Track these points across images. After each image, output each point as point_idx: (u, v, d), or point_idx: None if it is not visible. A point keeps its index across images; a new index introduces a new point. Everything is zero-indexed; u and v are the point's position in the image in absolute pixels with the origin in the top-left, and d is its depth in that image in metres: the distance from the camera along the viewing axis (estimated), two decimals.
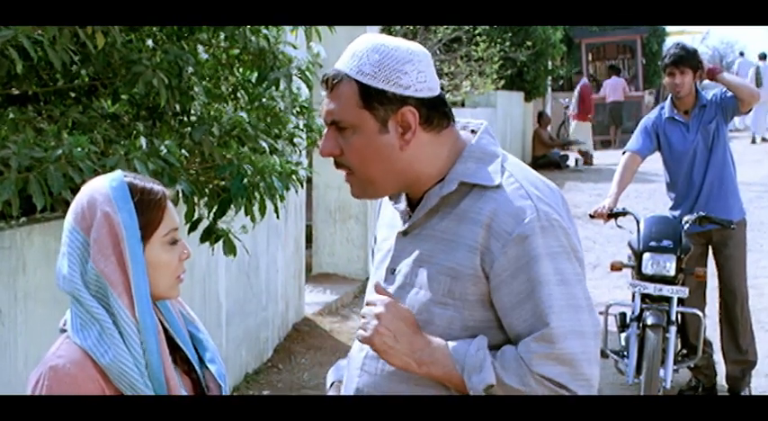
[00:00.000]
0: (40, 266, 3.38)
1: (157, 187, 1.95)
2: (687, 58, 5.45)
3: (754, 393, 5.72)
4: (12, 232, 3.30)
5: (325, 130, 1.97)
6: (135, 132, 3.51)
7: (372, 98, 1.90)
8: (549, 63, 18.87)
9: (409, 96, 1.91)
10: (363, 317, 1.93)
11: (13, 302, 3.29)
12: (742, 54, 27.28)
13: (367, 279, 2.26)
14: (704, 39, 31.74)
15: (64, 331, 1.93)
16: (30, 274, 3.37)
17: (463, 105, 14.05)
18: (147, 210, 1.90)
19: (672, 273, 5.21)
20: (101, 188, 1.91)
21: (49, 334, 1.95)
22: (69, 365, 1.84)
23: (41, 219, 3.48)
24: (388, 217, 2.11)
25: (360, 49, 1.92)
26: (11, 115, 3.46)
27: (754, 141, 19.82)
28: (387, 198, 2.14)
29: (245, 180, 3.66)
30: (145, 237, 1.89)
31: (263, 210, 3.87)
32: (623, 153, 5.71)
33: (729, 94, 5.48)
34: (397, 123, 1.92)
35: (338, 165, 1.97)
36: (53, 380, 1.83)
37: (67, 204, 3.50)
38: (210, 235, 3.89)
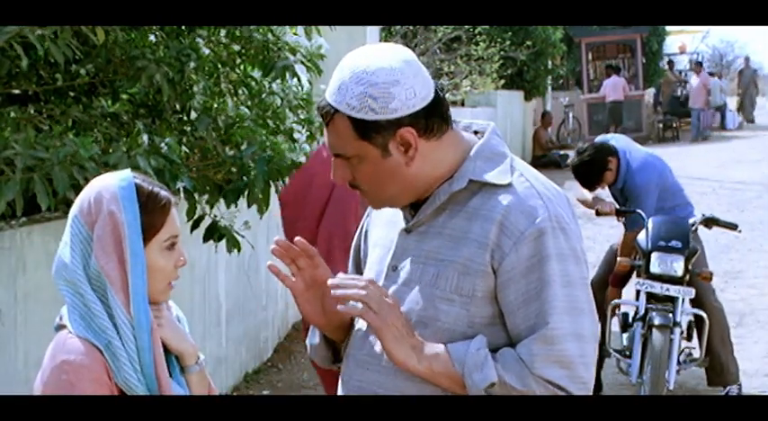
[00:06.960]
0: (40, 266, 3.38)
1: (164, 193, 1.98)
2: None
3: (757, 393, 5.70)
4: (12, 232, 3.30)
5: (332, 159, 1.98)
6: (136, 130, 3.50)
7: (368, 129, 1.89)
8: (549, 62, 18.90)
9: (402, 117, 1.89)
10: (363, 289, 1.89)
11: (13, 302, 3.29)
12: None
13: None
14: (704, 38, 31.63)
15: (60, 328, 1.94)
16: (30, 274, 3.36)
17: (463, 105, 14.05)
18: (151, 214, 1.93)
19: (679, 273, 5.20)
20: (109, 186, 1.94)
21: (49, 334, 1.96)
22: (82, 357, 1.86)
23: (41, 219, 3.48)
24: (387, 215, 2.10)
25: (344, 81, 1.89)
26: (12, 114, 3.45)
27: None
28: None
29: (266, 158, 3.65)
30: (145, 240, 1.92)
31: (266, 200, 3.84)
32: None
33: None
34: (398, 144, 1.92)
35: (353, 186, 1.99)
36: (71, 373, 1.85)
37: (68, 205, 3.52)
38: (213, 233, 3.89)
